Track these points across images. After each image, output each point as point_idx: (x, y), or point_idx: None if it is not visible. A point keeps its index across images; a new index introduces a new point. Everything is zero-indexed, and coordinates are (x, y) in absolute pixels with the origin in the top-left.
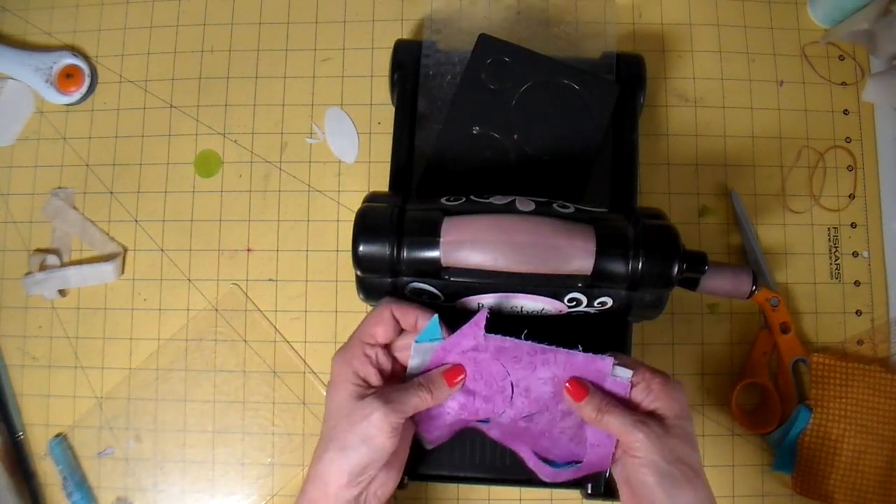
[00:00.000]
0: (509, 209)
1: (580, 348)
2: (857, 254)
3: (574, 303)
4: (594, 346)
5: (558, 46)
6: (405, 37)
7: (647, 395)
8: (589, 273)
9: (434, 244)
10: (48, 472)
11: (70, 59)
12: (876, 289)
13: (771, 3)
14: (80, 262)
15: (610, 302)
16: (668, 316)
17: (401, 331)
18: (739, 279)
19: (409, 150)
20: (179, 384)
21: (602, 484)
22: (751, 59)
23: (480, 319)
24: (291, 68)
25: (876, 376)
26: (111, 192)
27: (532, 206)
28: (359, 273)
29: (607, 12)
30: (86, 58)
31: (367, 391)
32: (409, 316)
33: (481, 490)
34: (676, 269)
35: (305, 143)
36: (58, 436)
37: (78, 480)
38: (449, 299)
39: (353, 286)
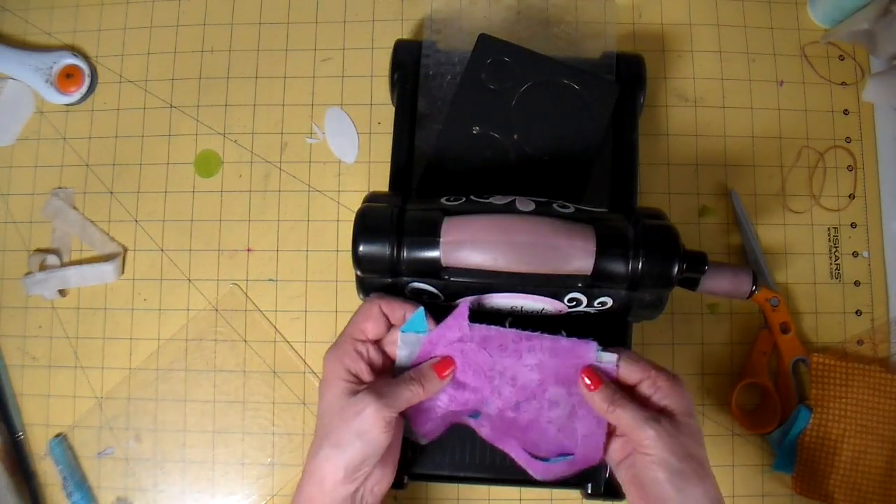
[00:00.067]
0: (509, 209)
1: (564, 334)
2: (857, 254)
3: (574, 303)
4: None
5: (558, 46)
6: (405, 37)
7: (655, 393)
8: (589, 273)
9: (434, 244)
10: (48, 472)
11: (70, 59)
12: (876, 289)
13: (771, 3)
14: (80, 262)
15: (610, 302)
16: (668, 316)
17: (390, 326)
18: (739, 279)
19: (409, 150)
20: (179, 384)
21: (602, 484)
22: (751, 59)
23: (464, 309)
24: (291, 68)
25: (876, 376)
26: (111, 192)
27: (532, 206)
28: (359, 273)
29: (607, 12)
30: (86, 58)
31: (359, 387)
32: (398, 311)
33: (481, 490)
34: (676, 269)
35: (305, 143)
36: (58, 436)
37: (78, 480)
38: (449, 299)
39: (353, 286)
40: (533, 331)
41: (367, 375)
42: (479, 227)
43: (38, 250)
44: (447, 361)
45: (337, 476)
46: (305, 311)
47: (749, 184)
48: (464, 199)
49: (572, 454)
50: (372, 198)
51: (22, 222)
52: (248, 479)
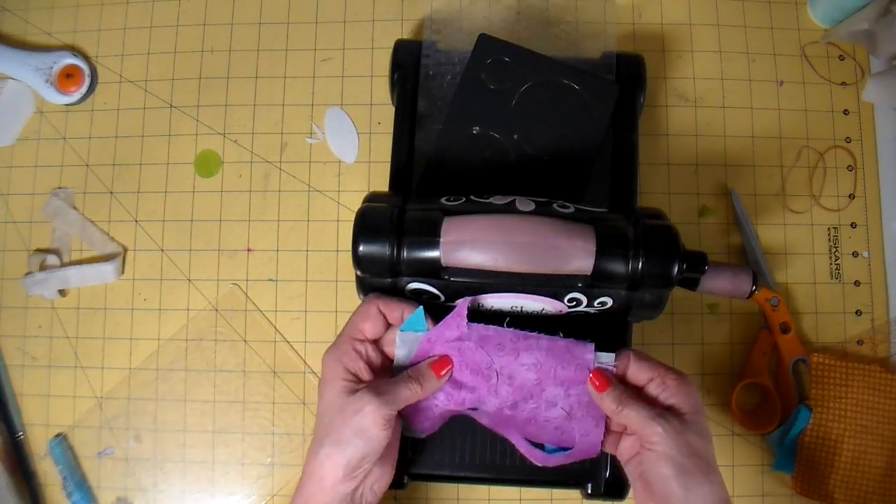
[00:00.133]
0: (509, 209)
1: (561, 335)
2: (857, 254)
3: (574, 303)
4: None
5: (558, 46)
6: (405, 37)
7: (663, 392)
8: (589, 273)
9: (434, 244)
10: (48, 472)
11: (70, 59)
12: (876, 289)
13: (771, 3)
14: (80, 262)
15: (610, 302)
16: (668, 316)
17: (388, 326)
18: (739, 279)
19: (409, 150)
20: (179, 384)
21: (602, 484)
22: (751, 59)
23: (462, 309)
24: (291, 68)
25: (876, 376)
26: (111, 192)
27: (532, 206)
28: (359, 273)
29: (607, 12)
30: (86, 58)
31: (358, 386)
32: (396, 310)
33: (481, 490)
34: (676, 269)
35: (305, 143)
36: (58, 436)
37: (78, 480)
38: (449, 299)
39: (353, 286)
40: (531, 331)
41: (365, 374)
42: (479, 227)
43: (38, 250)
44: (444, 360)
45: (337, 474)
46: (305, 311)
47: (749, 184)
48: (464, 199)
49: (570, 448)
50: (372, 198)
51: (22, 222)
52: (248, 479)
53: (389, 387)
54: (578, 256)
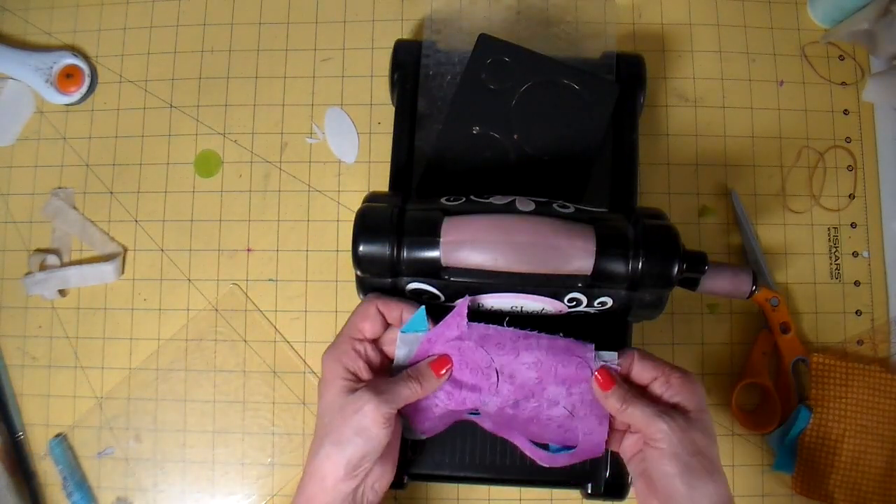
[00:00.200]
0: (509, 209)
1: (561, 335)
2: (857, 254)
3: (574, 303)
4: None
5: (558, 46)
6: (405, 37)
7: (667, 390)
8: (589, 273)
9: (434, 244)
10: (48, 472)
11: (70, 59)
12: (876, 289)
13: (771, 3)
14: (80, 262)
15: (610, 302)
16: (668, 316)
17: (387, 325)
18: (739, 279)
19: (409, 150)
20: (179, 384)
21: (602, 484)
22: (751, 59)
23: (462, 308)
24: (291, 68)
25: (876, 376)
26: (111, 192)
27: (532, 206)
28: (359, 273)
29: (607, 12)
30: (86, 58)
31: (357, 385)
32: (395, 310)
33: (481, 490)
34: (676, 269)
35: (305, 143)
36: (58, 436)
37: (78, 480)
38: (449, 299)
39: (353, 286)
40: (531, 330)
41: (365, 374)
42: (479, 227)
43: (38, 250)
44: (444, 359)
45: (338, 473)
46: (305, 311)
47: (749, 184)
48: (464, 199)
49: (574, 447)
50: (372, 198)
51: (22, 222)
52: (248, 479)
53: (389, 385)
54: (578, 256)
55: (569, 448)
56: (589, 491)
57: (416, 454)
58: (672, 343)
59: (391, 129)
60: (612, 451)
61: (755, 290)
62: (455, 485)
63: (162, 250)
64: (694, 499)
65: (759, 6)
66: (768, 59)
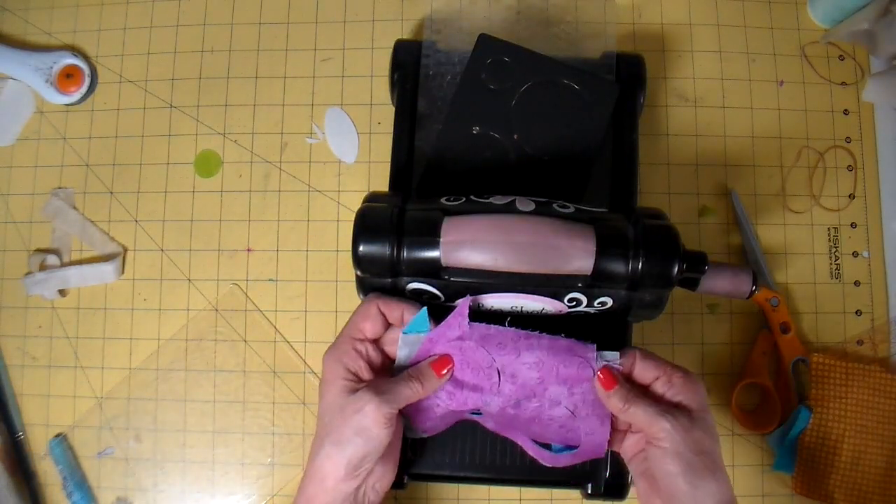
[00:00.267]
0: (509, 209)
1: (563, 335)
2: (857, 254)
3: (574, 303)
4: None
5: (558, 46)
6: (405, 37)
7: (669, 389)
8: (589, 273)
9: (434, 244)
10: (48, 472)
11: (70, 59)
12: (876, 289)
13: (771, 3)
14: (80, 262)
15: (610, 302)
16: (668, 316)
17: (388, 325)
18: (739, 279)
19: (409, 150)
20: (179, 384)
21: (602, 484)
22: (751, 59)
23: (464, 308)
24: (291, 68)
25: (876, 376)
26: (111, 192)
27: (532, 206)
28: (359, 273)
29: (607, 12)
30: (86, 58)
31: (358, 385)
32: (395, 310)
33: (481, 490)
34: (676, 269)
35: (305, 143)
36: (58, 436)
37: (78, 480)
38: (449, 299)
39: (353, 286)
40: (533, 330)
41: (366, 374)
42: (479, 227)
43: (38, 250)
44: (445, 359)
45: (338, 474)
46: (305, 311)
47: (749, 184)
48: (464, 199)
49: (576, 447)
50: (372, 198)
51: (22, 222)
52: (248, 479)
53: (390, 385)
54: (578, 256)
55: (571, 448)
56: (589, 491)
57: (417, 454)
58: (672, 343)
59: (391, 129)
60: (612, 452)
61: (755, 290)
62: (455, 485)
63: (162, 250)
64: (697, 498)
65: (759, 6)
66: (768, 59)
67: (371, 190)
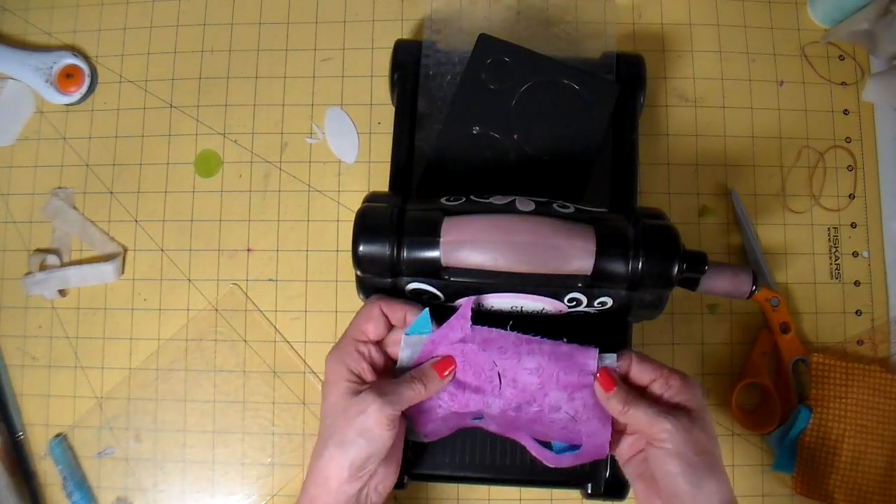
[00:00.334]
0: (509, 209)
1: (565, 340)
2: (857, 254)
3: (574, 303)
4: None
5: (558, 46)
6: (405, 37)
7: (667, 390)
8: (589, 273)
9: (434, 244)
10: (48, 472)
11: (70, 59)
12: (876, 289)
13: (771, 3)
14: (80, 262)
15: (610, 302)
16: (668, 316)
17: (391, 327)
18: (739, 279)
19: (409, 150)
20: (179, 384)
21: (602, 484)
22: (751, 59)
23: (466, 311)
24: (291, 68)
25: (876, 376)
26: (111, 192)
27: (532, 206)
28: (359, 273)
29: (607, 12)
30: (86, 58)
31: (361, 387)
32: (398, 312)
33: (481, 490)
34: (676, 269)
35: (305, 143)
36: (58, 436)
37: (78, 480)
38: (449, 299)
39: (353, 286)
40: (535, 335)
41: (369, 375)
42: (479, 227)
43: (38, 250)
44: (447, 361)
45: (342, 475)
46: (305, 311)
47: (749, 184)
48: (464, 199)
49: (579, 447)
50: (372, 198)
51: (22, 222)
52: (248, 479)
53: (393, 387)
54: (578, 256)
55: (573, 448)
56: (589, 491)
57: (417, 454)
58: (672, 343)
59: (391, 129)
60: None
61: (755, 290)
62: (455, 485)
63: (162, 250)
64: (699, 498)
65: (759, 6)
66: (768, 59)
67: (371, 190)
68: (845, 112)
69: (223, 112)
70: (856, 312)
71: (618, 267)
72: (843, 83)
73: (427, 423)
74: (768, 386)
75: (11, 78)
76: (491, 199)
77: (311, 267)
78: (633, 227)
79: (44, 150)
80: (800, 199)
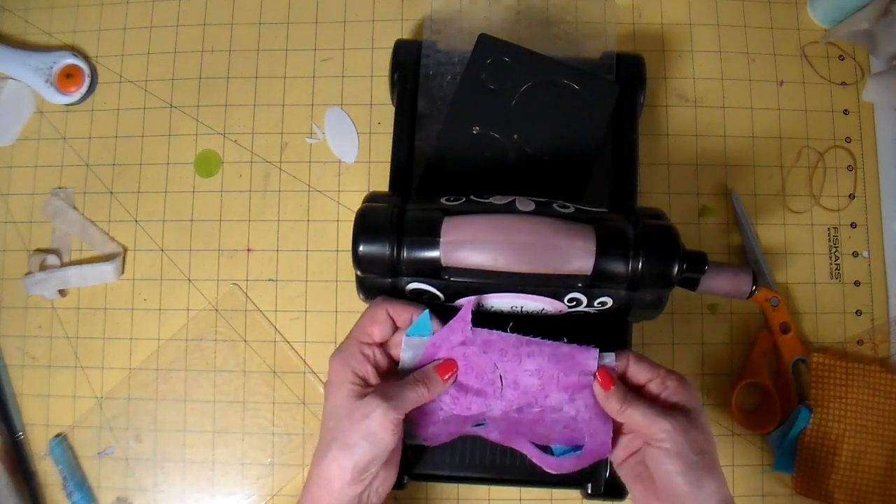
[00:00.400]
0: (509, 209)
1: (565, 341)
2: (857, 254)
3: (574, 303)
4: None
5: (558, 46)
6: (405, 37)
7: (664, 391)
8: (589, 273)
9: (434, 244)
10: (48, 472)
11: (70, 59)
12: (876, 289)
13: (771, 3)
14: (80, 262)
15: (610, 302)
16: (668, 316)
17: (395, 329)
18: (739, 279)
19: (409, 150)
20: (179, 384)
21: (602, 484)
22: (751, 59)
23: (466, 313)
24: (291, 68)
25: (876, 376)
26: (111, 192)
27: (532, 206)
28: (359, 273)
29: (607, 12)
30: (86, 58)
31: (365, 390)
32: (404, 314)
33: (481, 490)
34: (676, 269)
35: (305, 143)
36: (58, 436)
37: (78, 480)
38: (449, 299)
39: (353, 286)
40: (535, 335)
41: (373, 378)
42: (479, 227)
43: (38, 250)
44: (449, 363)
45: (345, 477)
46: (305, 311)
47: (749, 184)
48: (464, 199)
49: (581, 447)
50: (372, 198)
51: (22, 222)
52: (248, 479)
53: (397, 390)
54: (578, 256)
55: (575, 449)
56: (589, 491)
57: (417, 455)
58: (672, 343)
59: (391, 129)
60: None
61: (755, 290)
62: (455, 485)
63: (162, 250)
64: (699, 498)
65: (759, 6)
66: (768, 59)
67: (371, 190)
68: (845, 112)
69: (223, 112)
70: (856, 312)
71: (618, 267)
72: (843, 83)
73: (428, 426)
74: (768, 386)
75: (11, 78)
76: (491, 199)
77: (311, 267)
78: (633, 227)
79: (44, 150)
80: (800, 199)
